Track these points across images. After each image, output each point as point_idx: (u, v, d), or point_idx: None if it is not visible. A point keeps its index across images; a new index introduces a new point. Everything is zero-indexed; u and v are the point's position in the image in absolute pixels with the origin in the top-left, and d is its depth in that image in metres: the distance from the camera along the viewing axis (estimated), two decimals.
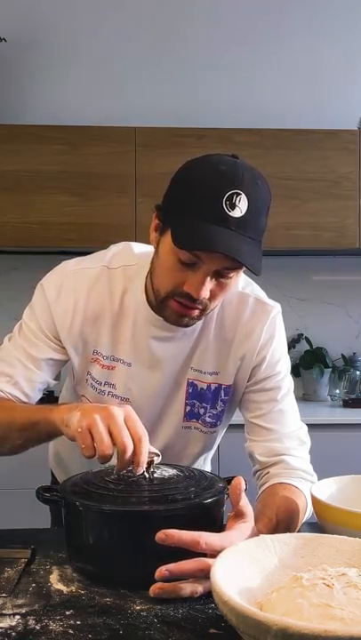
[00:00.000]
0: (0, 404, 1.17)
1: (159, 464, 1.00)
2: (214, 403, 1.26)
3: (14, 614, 0.83)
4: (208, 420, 1.27)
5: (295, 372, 3.16)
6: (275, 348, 1.25)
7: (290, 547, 0.86)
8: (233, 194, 1.00)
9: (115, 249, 1.28)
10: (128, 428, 0.94)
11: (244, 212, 1.01)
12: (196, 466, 1.36)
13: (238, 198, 1.00)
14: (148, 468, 0.96)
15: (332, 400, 3.16)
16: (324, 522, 1.03)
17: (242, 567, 0.81)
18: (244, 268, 1.07)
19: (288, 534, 0.89)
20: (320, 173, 2.96)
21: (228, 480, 1.05)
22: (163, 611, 0.84)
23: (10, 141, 2.88)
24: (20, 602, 0.87)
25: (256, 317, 1.23)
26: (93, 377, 1.24)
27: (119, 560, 0.91)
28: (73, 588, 0.91)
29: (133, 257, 1.24)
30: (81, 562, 0.96)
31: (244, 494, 0.93)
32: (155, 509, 0.91)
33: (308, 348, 3.25)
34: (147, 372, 1.23)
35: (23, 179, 2.87)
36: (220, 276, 1.07)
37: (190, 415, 1.27)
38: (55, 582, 0.93)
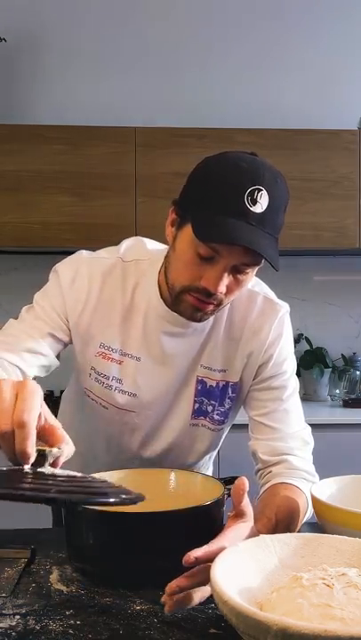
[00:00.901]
0: None
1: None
2: (222, 400, 1.26)
3: (14, 614, 0.83)
4: (216, 417, 1.27)
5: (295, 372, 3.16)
6: (282, 347, 1.25)
7: (290, 547, 0.86)
8: (255, 189, 1.02)
9: (127, 243, 1.28)
10: (14, 410, 0.76)
11: (264, 208, 1.03)
12: (200, 464, 1.36)
13: (260, 194, 1.02)
14: (39, 462, 0.76)
15: (332, 400, 3.16)
16: (324, 522, 1.03)
17: (242, 567, 0.81)
18: (261, 264, 1.08)
19: (288, 534, 0.89)
20: (320, 173, 2.96)
21: (228, 480, 1.05)
22: (163, 611, 0.84)
23: (10, 141, 2.88)
24: (20, 602, 0.87)
25: (265, 316, 1.24)
26: (98, 371, 1.24)
27: (119, 560, 0.91)
28: (73, 588, 0.91)
29: (146, 252, 1.25)
30: (81, 562, 0.96)
31: (246, 495, 0.93)
32: (156, 511, 0.91)
33: (308, 347, 3.25)
34: (156, 368, 1.23)
35: (24, 179, 2.87)
36: (238, 271, 1.08)
37: (198, 412, 1.26)
38: (55, 582, 0.93)
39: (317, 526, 1.06)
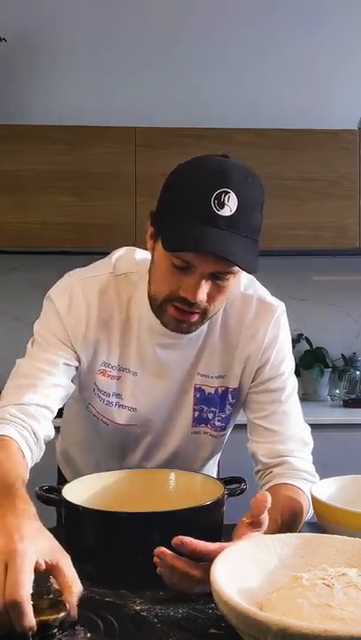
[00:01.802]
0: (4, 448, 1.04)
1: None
2: (223, 407, 1.25)
3: None
4: (218, 424, 1.26)
5: (295, 372, 3.16)
6: (279, 349, 1.24)
7: (290, 547, 0.86)
8: (221, 192, 0.99)
9: (117, 254, 1.27)
10: (4, 589, 0.72)
11: (234, 211, 1.00)
12: (205, 469, 1.35)
13: (227, 197, 0.99)
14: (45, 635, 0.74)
15: (332, 400, 3.16)
16: (324, 522, 1.03)
17: (242, 567, 0.81)
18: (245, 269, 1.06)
19: (288, 534, 0.89)
20: (320, 173, 2.96)
21: (228, 480, 1.05)
22: (163, 611, 0.84)
23: (10, 141, 2.87)
24: None
25: (260, 318, 1.23)
26: (100, 389, 1.23)
27: (119, 560, 0.91)
28: None
29: (135, 263, 1.23)
30: (81, 562, 0.96)
31: (267, 509, 0.91)
32: (156, 511, 0.91)
33: (308, 348, 3.25)
34: (153, 381, 1.22)
35: (23, 179, 2.87)
36: (217, 278, 1.06)
37: (199, 420, 1.26)
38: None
39: (317, 526, 1.07)
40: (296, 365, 3.33)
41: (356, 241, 2.97)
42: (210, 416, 1.25)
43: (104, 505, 1.03)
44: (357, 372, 3.19)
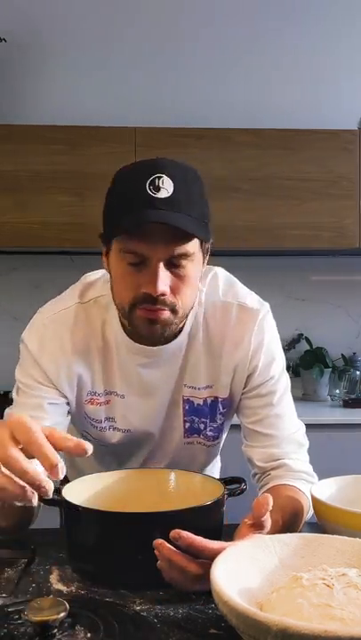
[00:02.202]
0: None
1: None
2: (213, 417, 1.24)
3: (14, 614, 0.83)
4: (210, 434, 1.26)
5: (295, 372, 3.16)
6: (266, 353, 1.22)
7: (290, 547, 0.86)
8: (155, 178, 1.01)
9: (83, 280, 1.26)
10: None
11: (171, 192, 1.00)
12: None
13: (161, 180, 1.01)
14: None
15: (332, 400, 3.16)
16: (324, 522, 1.03)
17: (242, 567, 0.81)
18: (197, 254, 1.06)
19: (288, 534, 0.89)
20: (320, 173, 2.96)
21: (228, 480, 1.05)
22: (163, 611, 0.84)
23: (10, 141, 2.87)
24: (20, 602, 0.86)
25: (242, 325, 1.20)
26: (91, 417, 1.23)
27: (119, 560, 0.91)
28: (73, 588, 0.91)
29: (103, 287, 1.21)
30: (81, 562, 0.96)
31: (269, 510, 0.92)
32: (156, 511, 0.91)
33: (308, 348, 3.25)
34: (141, 401, 1.21)
35: (23, 179, 2.87)
36: (174, 265, 1.04)
37: (191, 431, 1.25)
38: (55, 582, 0.93)
39: (317, 526, 1.06)
40: (296, 365, 3.33)
41: (356, 241, 2.97)
42: (201, 427, 1.25)
43: (104, 505, 1.03)
44: (357, 372, 3.19)
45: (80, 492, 1.03)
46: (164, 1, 3.24)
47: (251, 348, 1.20)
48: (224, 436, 1.33)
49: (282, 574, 0.82)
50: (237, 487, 1.05)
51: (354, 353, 3.30)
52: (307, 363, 3.18)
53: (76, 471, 1.39)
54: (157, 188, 1.00)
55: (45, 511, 1.06)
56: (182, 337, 1.18)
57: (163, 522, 0.90)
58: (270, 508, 0.90)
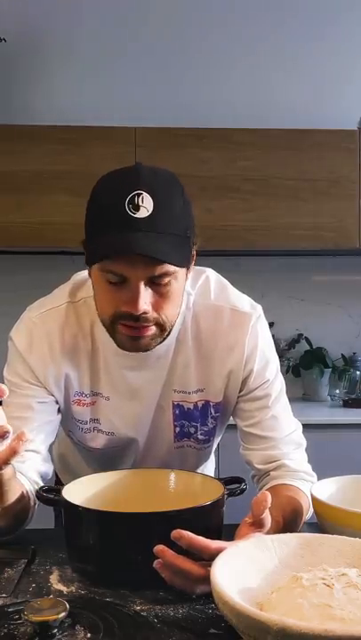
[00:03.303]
0: None
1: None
2: (204, 420, 1.23)
3: (15, 614, 0.83)
4: (201, 437, 1.24)
5: (295, 372, 3.16)
6: (260, 357, 1.20)
7: (290, 547, 0.86)
8: (134, 196, 0.98)
9: (74, 279, 1.25)
10: None
11: (150, 211, 0.98)
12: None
13: (140, 198, 0.98)
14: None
15: (332, 400, 3.16)
16: (324, 522, 1.03)
17: (242, 567, 0.81)
18: (180, 271, 1.03)
19: (288, 534, 0.89)
20: (320, 173, 2.96)
21: (228, 480, 1.05)
22: (163, 611, 0.84)
23: (10, 141, 2.87)
24: (20, 602, 0.87)
25: (236, 330, 1.18)
26: (77, 418, 1.22)
27: (119, 560, 0.91)
28: (73, 588, 0.91)
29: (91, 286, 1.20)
30: (81, 562, 0.96)
31: (268, 508, 0.92)
32: (156, 511, 0.91)
33: (308, 348, 3.25)
34: (126, 404, 1.20)
35: (23, 179, 2.87)
36: (155, 284, 1.02)
37: (181, 435, 1.24)
38: (55, 582, 0.93)
39: (317, 526, 1.06)
40: (296, 365, 3.33)
41: (357, 241, 2.97)
42: (192, 430, 1.23)
43: (104, 505, 1.03)
44: (357, 372, 3.19)
45: (80, 492, 1.03)
46: (165, 1, 3.24)
47: (245, 352, 1.18)
48: (217, 439, 1.32)
49: (282, 574, 0.82)
50: (237, 487, 1.05)
51: (354, 353, 3.30)
52: (307, 363, 3.18)
53: (71, 476, 1.39)
54: (137, 207, 0.97)
55: (45, 511, 1.06)
56: (169, 341, 1.16)
57: (163, 522, 0.90)
58: (269, 505, 0.90)
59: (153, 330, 1.06)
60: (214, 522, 0.97)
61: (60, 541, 1.00)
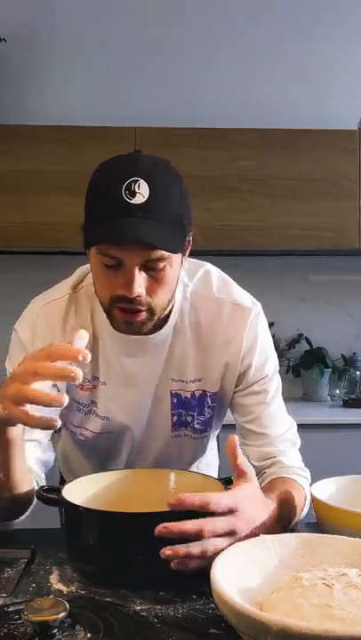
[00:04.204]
0: None
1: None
2: (201, 410, 1.25)
3: (15, 614, 0.83)
4: (197, 426, 1.26)
5: (295, 372, 3.16)
6: (259, 353, 1.22)
7: (290, 547, 0.86)
8: (131, 182, 1.00)
9: (78, 271, 1.27)
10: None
11: (146, 197, 1.00)
12: (200, 466, 1.36)
13: (137, 185, 1.00)
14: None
15: (332, 400, 3.16)
16: (324, 522, 1.03)
17: (242, 567, 0.81)
18: (175, 257, 1.06)
19: (288, 534, 0.89)
20: (320, 173, 2.96)
21: (228, 480, 1.05)
22: (163, 611, 0.84)
23: (9, 141, 2.87)
24: (20, 602, 0.86)
25: (235, 323, 1.21)
26: (78, 400, 1.23)
27: (119, 560, 0.91)
28: (73, 588, 0.91)
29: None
30: (81, 562, 0.96)
31: (240, 451, 0.96)
32: (156, 511, 0.91)
33: (308, 348, 3.25)
34: (122, 390, 1.21)
35: (22, 179, 2.87)
36: (150, 269, 1.05)
37: (179, 424, 1.25)
38: (55, 582, 0.93)
39: (317, 526, 1.06)
40: (296, 365, 3.33)
41: (356, 241, 2.97)
42: (189, 419, 1.25)
43: (104, 505, 1.03)
44: (357, 372, 3.19)
45: (80, 492, 1.03)
46: (164, 1, 3.24)
47: (243, 345, 1.20)
48: (215, 432, 1.33)
49: (282, 574, 0.82)
50: None
51: (354, 353, 3.30)
52: (307, 363, 3.18)
53: (72, 474, 1.39)
54: (133, 193, 1.00)
55: (45, 511, 1.06)
56: (167, 329, 1.19)
57: (163, 522, 0.90)
58: (238, 442, 0.96)
59: (143, 315, 1.09)
60: None
61: (60, 541, 1.00)
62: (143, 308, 1.07)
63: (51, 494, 1.00)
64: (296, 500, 1.09)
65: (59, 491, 1.00)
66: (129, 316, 1.08)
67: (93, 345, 1.20)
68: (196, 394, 1.23)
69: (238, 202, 2.92)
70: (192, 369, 1.22)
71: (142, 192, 1.00)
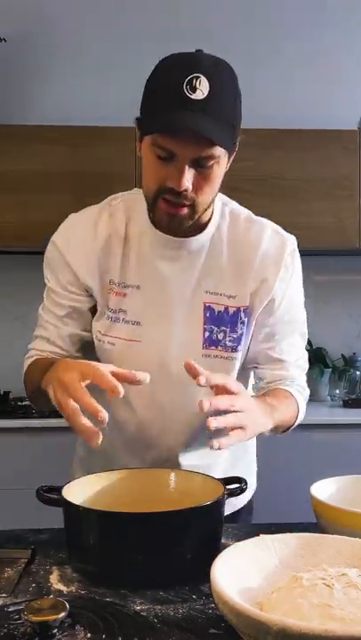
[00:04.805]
0: (37, 364, 1.23)
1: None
2: (234, 326, 1.25)
3: (15, 614, 0.83)
4: (229, 344, 1.25)
5: None
6: (295, 285, 1.28)
7: (290, 547, 0.86)
8: (193, 77, 1.05)
9: (112, 195, 1.33)
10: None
11: (206, 94, 1.04)
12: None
13: (198, 81, 1.04)
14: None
15: (332, 400, 3.16)
16: (324, 522, 1.03)
17: (242, 567, 0.81)
18: (223, 157, 1.11)
19: (288, 534, 0.89)
20: (320, 173, 2.96)
21: (227, 480, 1.05)
22: (163, 611, 0.84)
23: (10, 141, 2.87)
24: (20, 602, 0.87)
25: (277, 248, 1.25)
26: (110, 307, 1.25)
27: (119, 560, 0.91)
28: (73, 588, 0.91)
29: (134, 190, 1.29)
30: (81, 562, 0.96)
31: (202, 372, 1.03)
32: (156, 511, 0.92)
33: (308, 347, 3.24)
34: (156, 293, 1.23)
35: (23, 179, 2.87)
36: (200, 166, 1.08)
37: (210, 341, 1.24)
38: (55, 582, 0.93)
39: (317, 526, 1.06)
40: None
41: (357, 241, 2.97)
42: (220, 336, 1.25)
43: (104, 505, 1.03)
44: (357, 372, 3.19)
45: (80, 492, 1.03)
46: (164, 1, 3.24)
47: (282, 269, 1.25)
48: (241, 355, 1.27)
49: (282, 574, 0.82)
50: (237, 487, 1.05)
51: (354, 353, 3.30)
52: None
53: (85, 470, 1.37)
54: (194, 89, 1.04)
55: (45, 511, 1.06)
56: (204, 237, 1.22)
57: (163, 522, 0.90)
58: (192, 361, 1.04)
59: (185, 211, 1.12)
60: (214, 522, 0.97)
61: (60, 541, 1.00)
62: (187, 203, 1.11)
63: (51, 494, 1.00)
64: (287, 401, 1.23)
65: (59, 491, 1.00)
66: (172, 209, 1.12)
67: (124, 252, 1.24)
68: (230, 310, 1.25)
69: (238, 202, 2.92)
70: (229, 284, 1.24)
71: (203, 89, 1.04)
